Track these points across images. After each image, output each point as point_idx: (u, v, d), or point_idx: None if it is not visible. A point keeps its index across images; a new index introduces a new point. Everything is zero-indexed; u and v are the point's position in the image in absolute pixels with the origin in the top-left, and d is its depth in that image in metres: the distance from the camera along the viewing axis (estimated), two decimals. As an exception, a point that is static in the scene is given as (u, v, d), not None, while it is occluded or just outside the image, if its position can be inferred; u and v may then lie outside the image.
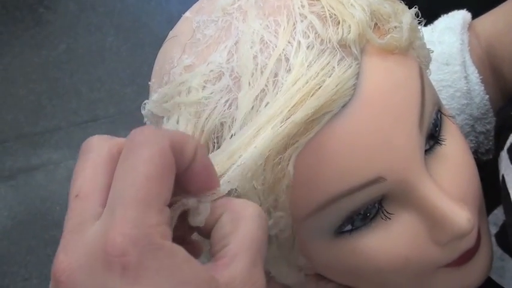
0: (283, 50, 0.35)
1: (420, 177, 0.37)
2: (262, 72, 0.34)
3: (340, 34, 0.35)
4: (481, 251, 0.40)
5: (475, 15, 0.52)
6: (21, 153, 1.74)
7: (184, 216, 0.31)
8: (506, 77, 0.50)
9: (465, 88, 0.50)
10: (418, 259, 0.38)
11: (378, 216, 0.38)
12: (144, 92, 0.41)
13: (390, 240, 0.38)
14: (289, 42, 0.35)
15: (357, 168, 0.35)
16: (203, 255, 0.34)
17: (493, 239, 0.44)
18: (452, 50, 0.50)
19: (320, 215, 0.36)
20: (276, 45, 0.35)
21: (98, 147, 0.30)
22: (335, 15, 0.36)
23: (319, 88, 0.34)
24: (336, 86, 0.34)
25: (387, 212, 0.38)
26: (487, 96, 0.50)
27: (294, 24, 0.35)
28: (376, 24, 0.37)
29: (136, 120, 0.40)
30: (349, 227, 0.37)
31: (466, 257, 0.39)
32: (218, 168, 0.33)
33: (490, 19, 0.51)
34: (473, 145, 0.52)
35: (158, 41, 0.43)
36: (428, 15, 0.43)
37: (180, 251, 0.27)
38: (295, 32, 0.35)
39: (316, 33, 0.35)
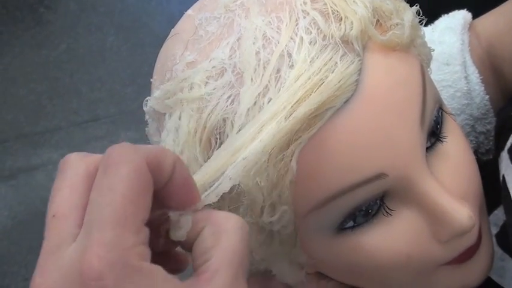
0: (286, 46, 0.35)
1: (421, 174, 0.37)
2: (264, 68, 0.34)
3: (343, 30, 0.35)
4: (482, 249, 0.40)
5: (475, 15, 0.52)
6: (21, 153, 1.74)
7: (167, 229, 0.31)
8: (506, 77, 0.50)
9: (465, 88, 0.50)
10: (420, 256, 0.38)
11: (379, 213, 0.38)
12: (144, 92, 0.41)
13: (392, 237, 0.38)
14: (291, 38, 0.35)
15: (359, 164, 0.35)
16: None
17: (494, 239, 0.44)
18: (453, 50, 0.50)
19: (322, 211, 0.36)
20: (279, 41, 0.35)
21: (75, 166, 0.29)
22: (337, 11, 0.36)
23: (322, 84, 0.34)
24: (339, 82, 0.34)
25: (389, 209, 0.38)
26: (488, 96, 0.50)
27: (297, 20, 0.35)
28: (378, 21, 0.37)
29: (137, 120, 0.40)
30: (351, 224, 0.38)
31: (467, 254, 0.39)
32: (221, 165, 0.33)
33: (491, 19, 0.52)
34: (473, 145, 0.52)
35: (159, 41, 0.43)
36: (429, 15, 0.43)
37: (159, 271, 0.27)
38: (297, 28, 0.35)
39: (318, 29, 0.35)
